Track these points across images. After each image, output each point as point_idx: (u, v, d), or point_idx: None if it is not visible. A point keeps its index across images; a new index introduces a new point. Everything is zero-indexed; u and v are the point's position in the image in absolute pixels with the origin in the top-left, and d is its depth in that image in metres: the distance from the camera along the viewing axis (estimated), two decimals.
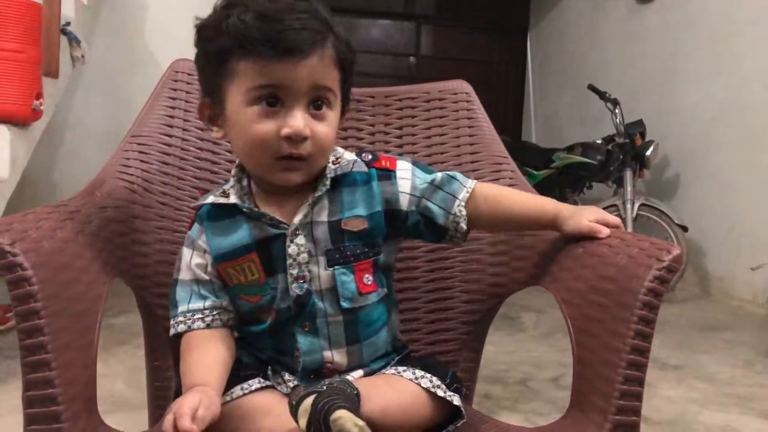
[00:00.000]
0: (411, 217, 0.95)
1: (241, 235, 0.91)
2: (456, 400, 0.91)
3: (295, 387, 0.90)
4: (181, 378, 0.89)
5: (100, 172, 1.06)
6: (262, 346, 0.94)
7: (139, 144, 1.11)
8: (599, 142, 4.09)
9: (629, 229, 3.49)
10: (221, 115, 0.90)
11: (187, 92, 1.16)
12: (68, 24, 2.77)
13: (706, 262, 3.92)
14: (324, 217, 0.91)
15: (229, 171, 1.14)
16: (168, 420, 0.74)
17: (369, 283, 0.93)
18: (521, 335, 2.92)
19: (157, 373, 1.10)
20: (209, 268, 0.93)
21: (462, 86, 1.24)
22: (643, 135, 3.92)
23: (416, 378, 0.90)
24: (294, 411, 0.78)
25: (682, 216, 3.63)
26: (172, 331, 0.93)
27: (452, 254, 1.15)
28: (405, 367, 0.93)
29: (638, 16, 4.71)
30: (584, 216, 0.93)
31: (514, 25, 6.53)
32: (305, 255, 0.90)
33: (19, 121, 2.20)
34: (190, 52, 0.96)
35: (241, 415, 0.84)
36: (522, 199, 0.99)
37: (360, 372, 0.94)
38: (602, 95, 3.94)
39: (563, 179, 4.30)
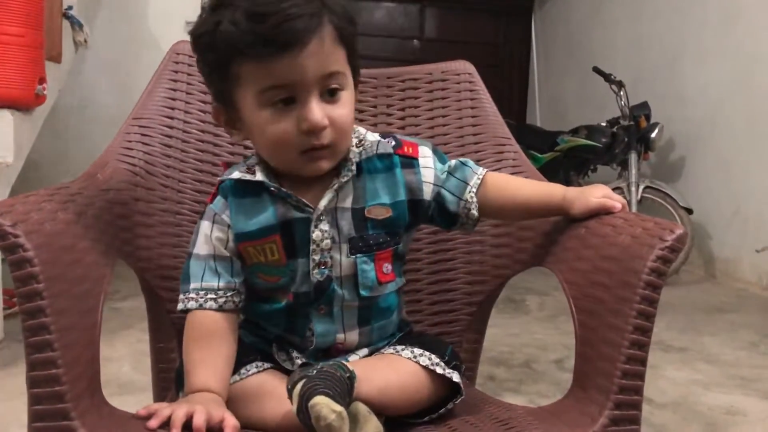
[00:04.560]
0: (430, 205, 0.95)
1: (266, 215, 0.90)
2: (455, 377, 0.91)
3: (301, 365, 0.91)
4: (185, 366, 0.88)
5: (102, 154, 1.06)
6: (273, 324, 0.94)
7: (140, 126, 1.10)
8: (604, 124, 4.09)
9: (634, 212, 3.48)
10: (238, 119, 0.88)
11: (189, 74, 1.15)
12: (70, 8, 2.77)
13: (711, 244, 3.92)
14: (348, 203, 0.91)
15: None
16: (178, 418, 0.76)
17: (388, 272, 0.94)
18: (525, 318, 2.93)
19: (161, 354, 1.10)
20: (230, 244, 0.91)
21: (465, 66, 1.22)
22: (648, 117, 3.91)
23: (415, 356, 0.90)
24: (289, 395, 0.78)
25: (687, 198, 3.62)
26: (180, 306, 0.90)
27: (455, 235, 1.15)
28: (403, 346, 0.93)
29: None
30: (590, 195, 0.93)
31: (518, 6, 6.47)
32: (328, 241, 0.90)
33: (22, 106, 2.20)
34: None
35: (242, 399, 0.84)
36: (530, 186, 0.99)
37: (365, 351, 0.95)
38: (607, 77, 3.93)
39: (568, 162, 4.30)
